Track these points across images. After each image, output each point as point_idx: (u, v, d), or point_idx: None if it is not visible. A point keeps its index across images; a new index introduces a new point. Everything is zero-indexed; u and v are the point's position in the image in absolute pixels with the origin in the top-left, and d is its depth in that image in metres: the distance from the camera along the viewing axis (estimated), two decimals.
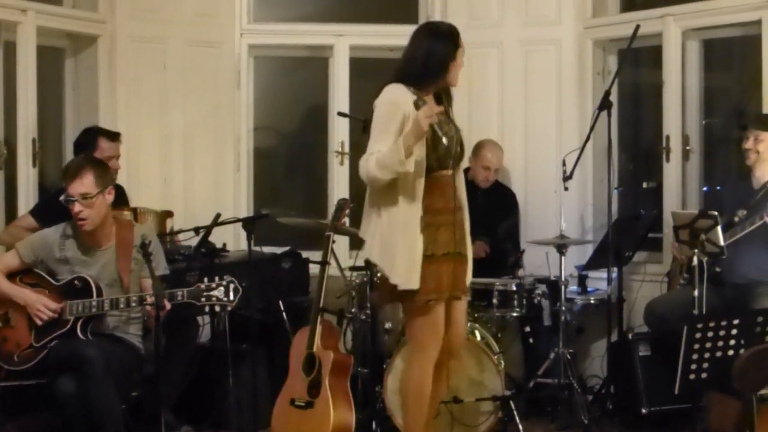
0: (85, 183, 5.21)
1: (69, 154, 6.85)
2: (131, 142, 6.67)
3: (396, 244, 4.74)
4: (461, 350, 5.13)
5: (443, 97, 4.95)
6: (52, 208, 5.79)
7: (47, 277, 5.33)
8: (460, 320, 4.99)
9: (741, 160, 6.04)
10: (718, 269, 5.64)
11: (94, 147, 6.13)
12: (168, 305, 4.90)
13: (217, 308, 5.06)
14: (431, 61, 4.80)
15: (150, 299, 4.99)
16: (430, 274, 4.74)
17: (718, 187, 6.61)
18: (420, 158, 4.68)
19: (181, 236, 6.31)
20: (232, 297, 4.99)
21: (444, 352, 4.93)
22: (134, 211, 6.24)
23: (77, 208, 5.21)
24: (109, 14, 6.95)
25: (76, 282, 5.24)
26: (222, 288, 4.98)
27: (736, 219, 5.75)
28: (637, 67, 7.47)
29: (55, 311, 5.20)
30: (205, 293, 4.99)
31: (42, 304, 5.21)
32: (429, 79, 4.83)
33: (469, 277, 4.98)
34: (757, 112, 6.27)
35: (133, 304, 5.15)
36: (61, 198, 5.27)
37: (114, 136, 6.27)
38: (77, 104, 7.03)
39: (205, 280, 5.02)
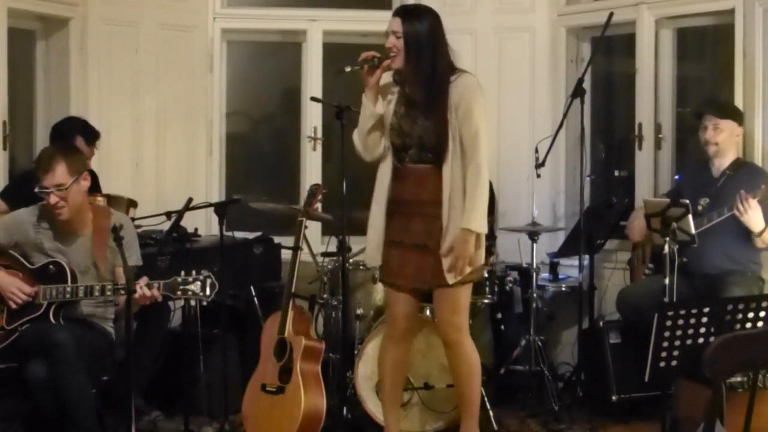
0: (58, 174, 5.12)
1: (40, 138, 6.80)
2: (103, 126, 6.60)
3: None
4: (448, 337, 5.07)
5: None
6: (20, 190, 5.75)
7: (21, 259, 5.27)
8: (438, 309, 5.07)
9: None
10: (684, 259, 5.59)
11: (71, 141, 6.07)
12: (155, 293, 4.90)
13: (192, 302, 5.05)
14: None
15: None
16: (383, 257, 5.06)
17: (676, 177, 6.60)
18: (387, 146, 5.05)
19: (152, 220, 6.26)
20: (208, 292, 4.93)
21: None
22: (107, 197, 6.17)
23: (53, 199, 5.13)
24: None
25: (51, 266, 5.18)
26: (199, 282, 4.91)
27: (700, 208, 5.75)
28: (610, 55, 7.48)
29: (30, 295, 5.15)
30: (181, 287, 4.93)
31: (16, 287, 5.15)
32: None
33: (447, 274, 4.89)
34: (711, 98, 6.22)
35: (108, 293, 5.08)
36: (36, 190, 5.17)
37: (92, 140, 6.23)
38: (48, 87, 6.96)
39: (182, 273, 4.95)
